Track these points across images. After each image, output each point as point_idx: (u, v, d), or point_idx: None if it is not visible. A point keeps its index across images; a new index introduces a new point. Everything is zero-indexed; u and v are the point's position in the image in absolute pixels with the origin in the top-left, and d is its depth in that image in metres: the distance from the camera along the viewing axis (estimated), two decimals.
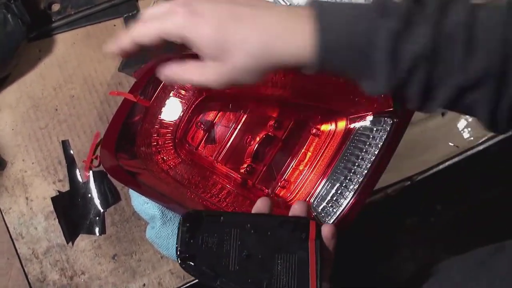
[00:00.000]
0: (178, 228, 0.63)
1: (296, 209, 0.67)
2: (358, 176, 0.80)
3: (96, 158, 0.90)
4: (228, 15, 0.56)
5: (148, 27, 0.59)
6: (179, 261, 0.62)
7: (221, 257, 0.62)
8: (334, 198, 0.81)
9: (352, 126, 0.83)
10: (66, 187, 0.89)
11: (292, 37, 0.55)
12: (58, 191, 0.88)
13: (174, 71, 0.62)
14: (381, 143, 0.78)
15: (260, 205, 0.67)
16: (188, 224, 0.62)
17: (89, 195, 0.89)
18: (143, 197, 0.83)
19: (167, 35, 0.57)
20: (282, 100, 0.84)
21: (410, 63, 0.51)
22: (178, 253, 0.61)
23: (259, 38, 0.55)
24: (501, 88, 0.51)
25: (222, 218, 0.63)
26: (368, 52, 0.52)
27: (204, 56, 0.58)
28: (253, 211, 0.67)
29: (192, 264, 0.61)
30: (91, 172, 0.89)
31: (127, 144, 0.79)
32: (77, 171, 0.89)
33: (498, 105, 0.52)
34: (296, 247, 0.63)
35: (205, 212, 0.65)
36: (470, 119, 0.99)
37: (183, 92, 0.81)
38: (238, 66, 0.56)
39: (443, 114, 0.99)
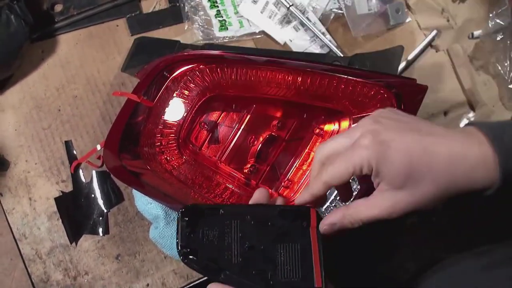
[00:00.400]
0: (178, 223, 0.62)
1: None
2: None
3: (98, 158, 0.90)
4: (415, 142, 0.56)
5: (338, 169, 0.58)
6: (181, 256, 0.61)
7: (223, 250, 0.61)
8: (338, 198, 0.81)
9: (355, 125, 0.83)
10: (69, 188, 0.89)
11: (475, 163, 0.55)
12: (62, 192, 0.88)
13: (339, 215, 0.61)
14: None
15: (258, 196, 0.66)
16: (187, 218, 0.61)
17: (93, 195, 0.89)
18: (147, 197, 0.83)
19: (357, 171, 0.57)
20: (286, 100, 0.84)
21: None
22: (179, 248, 0.61)
23: (447, 169, 0.55)
24: None
25: (221, 210, 0.63)
26: None
27: (388, 184, 0.57)
28: (251, 202, 0.67)
29: (195, 258, 0.61)
30: (94, 172, 0.89)
31: (130, 145, 0.79)
32: (81, 171, 0.89)
33: None
34: (298, 236, 0.63)
35: (204, 205, 0.65)
36: (472, 118, 1.00)
37: (186, 92, 0.81)
38: (426, 195, 0.56)
39: (445, 114, 0.99)
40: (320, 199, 0.63)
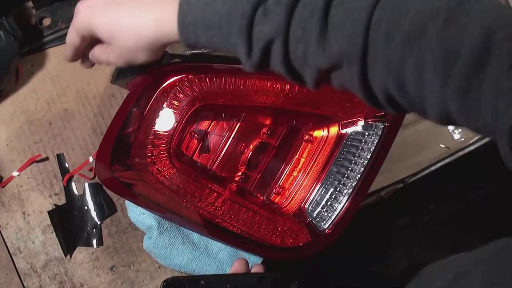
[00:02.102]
0: None
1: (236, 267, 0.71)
2: (351, 180, 0.81)
3: (90, 170, 0.90)
4: (113, 5, 0.65)
5: (69, 33, 0.70)
6: None
7: None
8: (329, 203, 0.82)
9: (344, 131, 0.84)
10: (62, 200, 0.89)
11: (160, 17, 0.63)
12: (55, 205, 0.89)
13: (91, 54, 0.73)
14: (373, 147, 0.79)
15: (238, 266, 0.70)
16: None
17: (86, 207, 0.89)
18: (139, 208, 0.83)
19: (81, 33, 0.68)
20: (275, 108, 0.85)
21: (262, 44, 0.56)
22: None
23: (134, 23, 0.64)
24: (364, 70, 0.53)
25: (201, 281, 0.65)
26: (227, 34, 0.58)
27: (104, 41, 0.68)
28: (231, 271, 0.70)
29: None
30: (86, 184, 0.89)
31: (122, 156, 0.79)
32: (73, 184, 0.90)
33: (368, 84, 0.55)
34: None
35: (185, 278, 0.67)
36: None
37: (176, 102, 0.82)
38: (124, 47, 0.67)
39: None
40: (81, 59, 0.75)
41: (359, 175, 0.80)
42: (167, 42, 0.65)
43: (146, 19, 0.63)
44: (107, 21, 0.65)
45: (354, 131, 0.83)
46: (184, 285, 0.64)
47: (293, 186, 0.87)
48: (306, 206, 0.85)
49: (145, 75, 0.80)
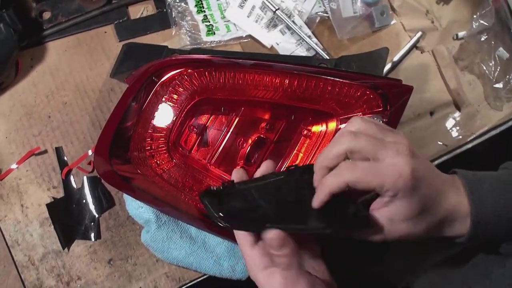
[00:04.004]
0: (203, 203, 0.66)
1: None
2: None
3: (89, 163, 0.90)
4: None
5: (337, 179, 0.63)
6: (222, 222, 0.64)
7: (253, 210, 0.66)
8: None
9: (342, 126, 0.84)
10: (60, 194, 0.89)
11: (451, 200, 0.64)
12: (53, 198, 0.89)
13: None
14: None
15: (266, 167, 0.72)
16: (210, 198, 0.66)
17: (84, 200, 0.89)
18: (138, 202, 0.84)
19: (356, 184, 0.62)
20: (274, 103, 0.85)
21: None
22: (216, 216, 0.64)
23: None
24: None
25: (236, 186, 0.69)
26: None
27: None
28: (258, 174, 0.72)
29: (235, 218, 0.65)
30: (85, 177, 0.90)
31: (120, 150, 0.79)
32: (71, 177, 0.90)
33: None
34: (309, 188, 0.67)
35: (218, 187, 0.69)
36: (458, 118, 1.01)
37: (175, 96, 0.82)
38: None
39: (431, 114, 1.01)
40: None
41: None
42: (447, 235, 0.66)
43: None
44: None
45: None
46: (221, 191, 0.67)
47: None
48: None
49: (144, 69, 0.80)
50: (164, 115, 0.83)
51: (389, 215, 0.63)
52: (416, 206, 0.61)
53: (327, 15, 1.02)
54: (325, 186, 0.62)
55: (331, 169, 0.63)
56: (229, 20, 1.00)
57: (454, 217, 0.64)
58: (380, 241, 0.65)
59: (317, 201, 0.63)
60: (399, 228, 0.63)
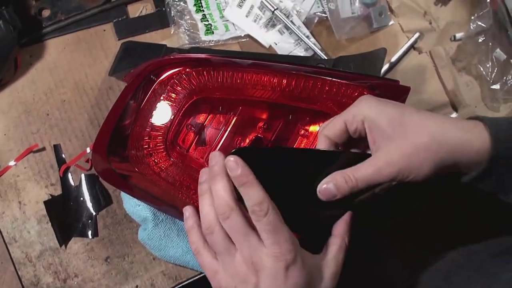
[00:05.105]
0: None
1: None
2: None
3: (87, 161, 0.91)
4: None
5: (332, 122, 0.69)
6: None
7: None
8: None
9: None
10: (58, 191, 0.90)
11: (467, 130, 0.62)
12: (51, 195, 0.89)
13: (334, 176, 0.65)
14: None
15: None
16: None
17: (81, 198, 0.90)
18: (135, 200, 0.84)
19: (350, 122, 0.66)
20: (271, 102, 0.85)
21: None
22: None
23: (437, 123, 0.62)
24: None
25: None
26: None
27: (381, 135, 0.64)
28: None
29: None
30: (83, 175, 0.90)
31: (118, 148, 0.80)
32: (69, 174, 0.90)
33: None
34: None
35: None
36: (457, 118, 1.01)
37: (173, 95, 0.82)
38: (416, 149, 0.61)
39: None
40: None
41: None
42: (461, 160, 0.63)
43: (449, 124, 0.64)
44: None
45: None
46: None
47: None
48: None
49: (143, 68, 0.80)
50: (162, 114, 0.83)
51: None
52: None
53: (326, 15, 1.02)
54: None
55: None
56: (227, 20, 1.01)
57: (467, 147, 0.62)
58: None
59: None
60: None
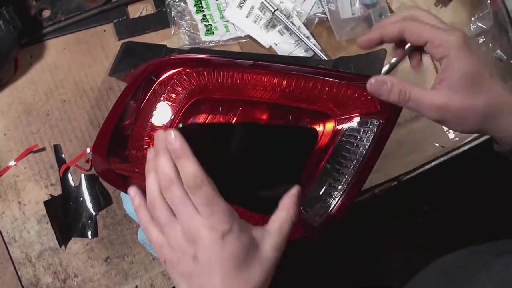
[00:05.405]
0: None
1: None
2: (346, 176, 0.81)
3: (87, 161, 0.91)
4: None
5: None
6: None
7: None
8: (323, 198, 0.82)
9: (339, 127, 0.84)
10: (58, 191, 0.90)
11: None
12: (51, 195, 0.89)
13: (391, 78, 0.67)
14: (368, 144, 0.80)
15: None
16: None
17: (81, 198, 0.90)
18: None
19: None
20: (271, 103, 0.85)
21: None
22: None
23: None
24: None
25: None
26: None
27: (450, 86, 0.65)
28: None
29: None
30: (82, 175, 0.90)
31: (118, 148, 0.80)
32: (69, 175, 0.90)
33: None
34: None
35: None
36: None
37: (173, 95, 0.82)
38: (475, 109, 0.64)
39: None
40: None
41: (353, 172, 0.81)
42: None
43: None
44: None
45: (349, 127, 0.83)
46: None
47: None
48: None
49: (143, 68, 0.80)
50: (162, 114, 0.83)
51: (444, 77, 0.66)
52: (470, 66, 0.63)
53: (326, 16, 1.02)
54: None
55: None
56: (228, 20, 1.01)
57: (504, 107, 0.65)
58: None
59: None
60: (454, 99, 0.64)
